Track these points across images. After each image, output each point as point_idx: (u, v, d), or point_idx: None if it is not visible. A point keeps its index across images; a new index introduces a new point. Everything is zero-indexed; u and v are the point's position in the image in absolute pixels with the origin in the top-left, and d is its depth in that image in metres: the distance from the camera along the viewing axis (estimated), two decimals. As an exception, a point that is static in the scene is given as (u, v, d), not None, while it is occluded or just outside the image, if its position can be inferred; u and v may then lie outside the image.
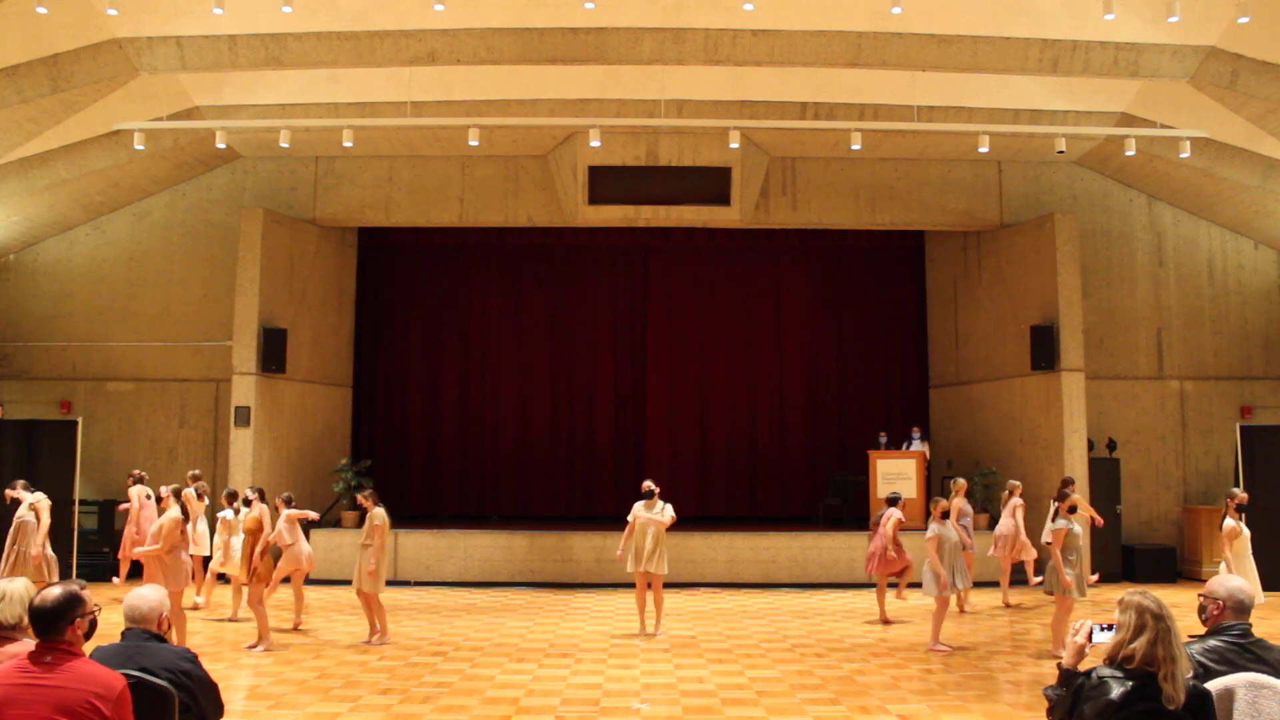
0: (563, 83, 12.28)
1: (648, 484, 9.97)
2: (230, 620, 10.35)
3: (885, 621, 10.45)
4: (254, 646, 8.89)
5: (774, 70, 11.79)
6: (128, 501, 11.79)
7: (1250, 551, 9.30)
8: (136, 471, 12.07)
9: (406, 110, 12.38)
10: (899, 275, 16.51)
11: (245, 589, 9.63)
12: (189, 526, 9.76)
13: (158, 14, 10.55)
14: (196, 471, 11.62)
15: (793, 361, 16.51)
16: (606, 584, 12.91)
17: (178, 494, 9.23)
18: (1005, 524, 11.58)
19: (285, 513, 9.98)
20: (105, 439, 14.46)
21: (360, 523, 13.79)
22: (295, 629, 9.84)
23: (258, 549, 9.08)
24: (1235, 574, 8.69)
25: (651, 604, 9.87)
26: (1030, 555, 11.49)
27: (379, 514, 9.31)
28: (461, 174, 14.69)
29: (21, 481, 10.80)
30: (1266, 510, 12.81)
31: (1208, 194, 14.21)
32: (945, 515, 9.56)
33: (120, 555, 11.95)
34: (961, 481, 11.81)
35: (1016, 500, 11.57)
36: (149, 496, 11.57)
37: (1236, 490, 9.71)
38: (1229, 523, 9.24)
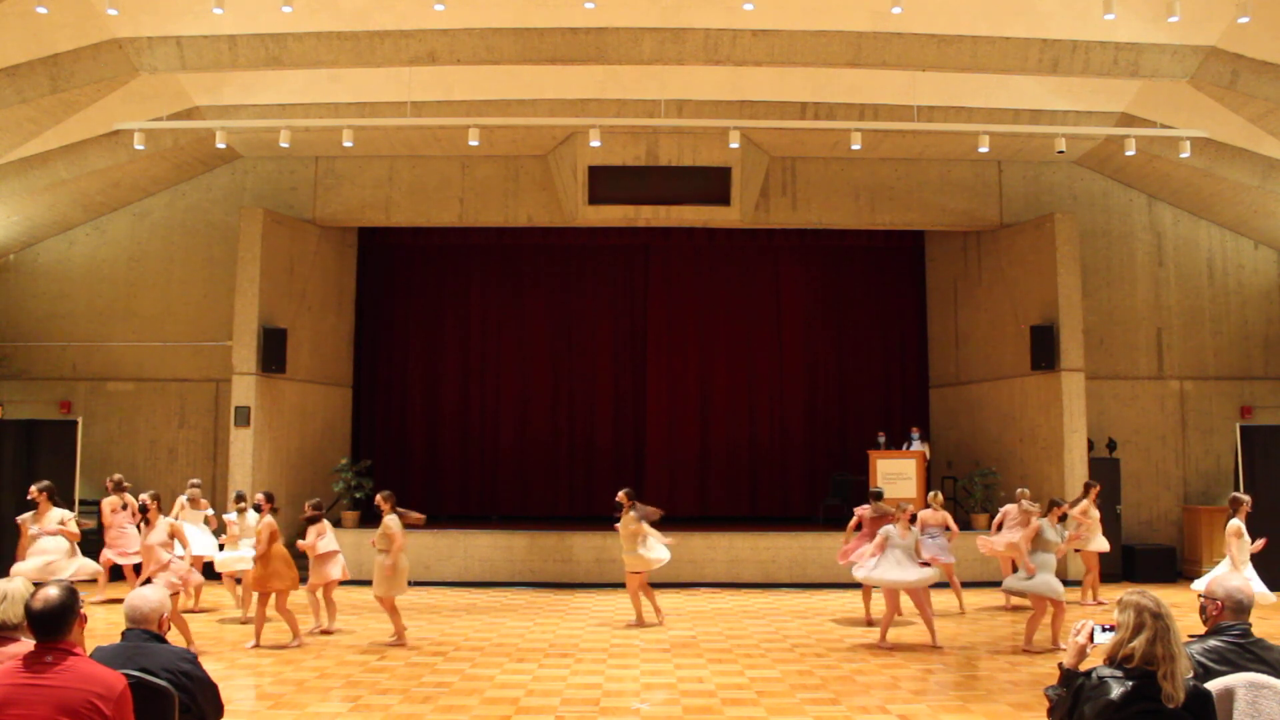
0: (563, 83, 12.28)
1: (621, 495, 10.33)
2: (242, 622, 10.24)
3: (870, 623, 10.44)
4: (287, 646, 9.02)
5: (774, 70, 11.79)
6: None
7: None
8: (116, 477, 11.46)
9: (406, 110, 12.38)
10: (899, 275, 16.50)
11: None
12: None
13: (158, 14, 10.55)
14: (197, 480, 11.74)
15: (793, 361, 16.50)
16: (606, 584, 12.91)
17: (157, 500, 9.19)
18: (1007, 535, 11.23)
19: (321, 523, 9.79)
20: (105, 439, 14.46)
21: (361, 523, 13.92)
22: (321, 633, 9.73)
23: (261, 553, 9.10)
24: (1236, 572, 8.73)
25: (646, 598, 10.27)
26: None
27: (391, 521, 9.17)
28: (461, 174, 14.69)
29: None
30: (1266, 510, 12.81)
31: (1207, 194, 14.21)
32: (913, 519, 9.75)
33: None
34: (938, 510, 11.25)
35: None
36: (124, 506, 11.22)
37: (1241, 495, 9.59)
38: (1235, 523, 9.22)
